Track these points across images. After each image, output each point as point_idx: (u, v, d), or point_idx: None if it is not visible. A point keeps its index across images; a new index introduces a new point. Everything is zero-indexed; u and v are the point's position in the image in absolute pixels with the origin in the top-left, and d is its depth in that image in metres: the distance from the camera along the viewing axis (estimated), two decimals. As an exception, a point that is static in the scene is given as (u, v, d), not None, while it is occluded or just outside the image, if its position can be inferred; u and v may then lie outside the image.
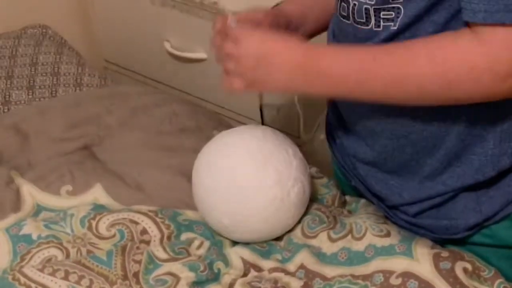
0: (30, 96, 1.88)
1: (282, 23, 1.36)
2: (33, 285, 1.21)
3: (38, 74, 1.96)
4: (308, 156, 1.41)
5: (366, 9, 1.16)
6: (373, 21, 1.17)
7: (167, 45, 2.27)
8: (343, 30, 1.23)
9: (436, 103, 1.13)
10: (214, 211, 1.31)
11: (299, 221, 1.36)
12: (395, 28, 1.14)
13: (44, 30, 2.17)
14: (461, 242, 1.28)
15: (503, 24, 1.02)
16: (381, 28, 1.16)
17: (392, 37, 1.15)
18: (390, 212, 1.33)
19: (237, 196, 1.28)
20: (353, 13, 1.19)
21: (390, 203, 1.32)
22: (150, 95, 1.84)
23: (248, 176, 1.28)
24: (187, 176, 1.46)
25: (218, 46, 1.25)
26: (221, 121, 1.80)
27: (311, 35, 1.42)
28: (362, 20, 1.18)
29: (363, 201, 1.45)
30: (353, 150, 1.34)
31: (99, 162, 1.56)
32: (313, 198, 1.40)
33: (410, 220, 1.30)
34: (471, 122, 1.17)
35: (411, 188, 1.27)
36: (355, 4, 1.18)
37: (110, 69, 2.56)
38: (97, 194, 1.44)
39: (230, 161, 1.29)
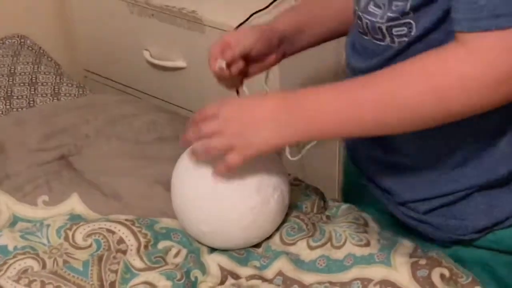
0: (7, 106, 1.87)
1: (275, 42, 1.37)
2: (8, 296, 1.20)
3: (15, 84, 1.95)
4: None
5: (379, 27, 1.18)
6: (388, 38, 1.18)
7: (147, 54, 2.27)
8: (363, 44, 1.24)
9: (430, 123, 1.10)
10: (193, 219, 1.31)
11: (277, 229, 1.36)
12: (408, 39, 1.15)
13: (22, 40, 2.17)
14: (466, 244, 1.29)
15: (488, 31, 1.01)
16: (396, 44, 1.17)
17: (406, 48, 1.15)
18: (400, 208, 1.33)
19: (216, 204, 1.28)
20: (368, 30, 1.21)
21: (401, 200, 1.32)
22: (128, 104, 1.84)
23: (228, 184, 1.27)
24: (165, 185, 1.45)
25: (197, 137, 1.23)
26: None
27: (306, 47, 1.44)
28: (378, 37, 1.19)
29: (344, 206, 1.45)
30: (366, 150, 1.35)
31: (76, 172, 1.55)
32: (292, 205, 1.40)
33: (419, 217, 1.30)
34: (485, 121, 1.15)
35: (423, 185, 1.27)
36: (367, 23, 1.20)
37: (90, 78, 2.56)
38: (74, 204, 1.43)
39: (210, 169, 1.28)
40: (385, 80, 1.10)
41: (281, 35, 1.37)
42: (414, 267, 1.22)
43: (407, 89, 1.07)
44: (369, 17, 1.19)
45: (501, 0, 1.00)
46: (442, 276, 1.21)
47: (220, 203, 1.28)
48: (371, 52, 1.22)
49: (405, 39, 1.15)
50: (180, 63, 2.18)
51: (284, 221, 1.37)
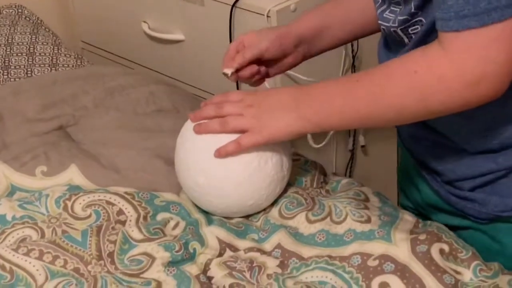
0: (5, 76, 1.87)
1: (290, 46, 1.41)
2: (7, 265, 1.20)
3: (13, 54, 1.94)
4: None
5: (394, 31, 1.22)
6: (405, 39, 1.21)
7: (145, 26, 2.26)
8: (393, 39, 1.26)
9: (416, 118, 1.16)
10: (191, 170, 1.32)
11: (276, 203, 1.36)
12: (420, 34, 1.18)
13: (19, 10, 2.16)
14: (505, 221, 1.29)
15: (458, 31, 1.03)
16: (412, 39, 1.20)
17: (422, 42, 1.17)
18: (445, 187, 1.34)
19: (213, 154, 1.28)
20: (387, 35, 1.26)
21: (446, 179, 1.33)
22: (126, 76, 1.83)
23: (228, 138, 1.28)
24: (164, 159, 1.45)
25: (216, 114, 1.31)
26: (198, 102, 1.79)
27: (327, 49, 1.47)
28: (398, 39, 1.23)
29: (344, 181, 1.45)
30: (414, 130, 1.36)
31: (74, 143, 1.54)
32: (291, 181, 1.40)
33: (463, 195, 1.31)
34: None
35: (464, 164, 1.28)
36: (384, 29, 1.25)
37: (87, 50, 2.55)
38: (72, 175, 1.42)
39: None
40: (376, 78, 1.16)
41: (298, 38, 1.41)
42: (414, 243, 1.22)
43: (393, 88, 1.12)
44: (384, 23, 1.23)
45: (464, 1, 1.01)
46: (441, 251, 1.21)
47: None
48: (394, 50, 1.26)
49: (420, 34, 1.18)
50: (179, 36, 2.17)
51: (282, 196, 1.37)
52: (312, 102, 1.22)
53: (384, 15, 1.23)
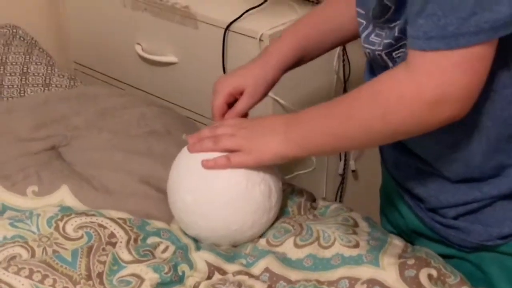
0: (-2, 96, 1.87)
1: (269, 82, 1.43)
2: (-3, 283, 1.20)
3: (7, 73, 1.95)
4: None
5: (379, 55, 1.23)
6: (390, 64, 1.22)
7: (138, 48, 2.26)
8: (377, 64, 1.27)
9: (385, 138, 1.19)
10: (181, 189, 1.34)
11: (264, 235, 1.36)
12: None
13: (14, 30, 2.16)
14: (489, 250, 1.29)
15: (424, 51, 1.04)
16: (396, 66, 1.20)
17: None
18: (428, 214, 1.35)
19: (202, 173, 1.30)
20: (371, 58, 1.27)
21: (430, 206, 1.34)
22: (119, 97, 1.83)
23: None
24: (155, 186, 1.46)
25: (210, 135, 1.35)
26: (190, 125, 1.80)
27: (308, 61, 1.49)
28: (382, 64, 1.24)
29: (333, 206, 1.46)
30: (397, 156, 1.37)
31: (66, 164, 1.54)
32: (278, 215, 1.40)
33: (447, 222, 1.32)
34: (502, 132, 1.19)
35: (447, 192, 1.29)
36: (369, 53, 1.26)
37: (79, 71, 2.55)
38: (64, 195, 1.43)
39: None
40: (347, 99, 1.20)
41: (279, 68, 1.43)
42: (402, 267, 1.23)
43: (359, 108, 1.15)
44: (370, 47, 1.24)
45: (434, 22, 1.02)
46: (429, 276, 1.22)
47: (206, 173, 1.31)
48: (375, 72, 1.28)
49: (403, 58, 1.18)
50: (172, 58, 2.18)
51: (270, 228, 1.37)
52: (298, 124, 1.26)
53: (370, 39, 1.24)
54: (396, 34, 1.17)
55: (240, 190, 1.30)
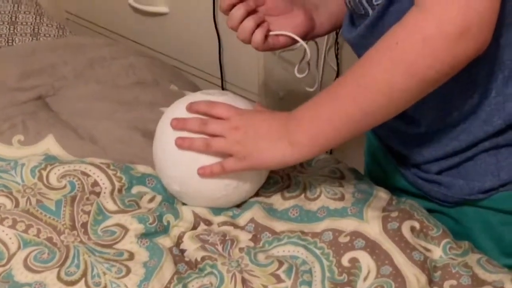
0: (-14, 45, 1.86)
1: None
2: (-20, 233, 1.20)
3: (-6, 23, 1.94)
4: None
5: (359, 1, 1.20)
6: (370, 10, 1.19)
7: (129, -2, 2.25)
8: (358, 14, 1.24)
9: (410, 96, 1.09)
10: (169, 177, 1.29)
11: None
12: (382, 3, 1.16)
13: (3, -21, 2.15)
14: (471, 204, 1.30)
15: None
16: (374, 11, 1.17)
17: (381, 14, 1.16)
18: (412, 170, 1.34)
19: (186, 158, 1.25)
20: (351, 5, 1.23)
21: (413, 161, 1.33)
22: (107, 47, 1.82)
23: (207, 157, 1.25)
24: (142, 131, 1.45)
25: (198, 130, 1.24)
26: (178, 75, 1.80)
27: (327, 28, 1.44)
28: (361, 12, 1.21)
29: (320, 157, 1.45)
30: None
31: (52, 113, 1.54)
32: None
33: (430, 178, 1.31)
34: (471, 73, 1.15)
35: (429, 146, 1.28)
36: (349, 1, 1.23)
37: (71, 20, 2.54)
38: (49, 145, 1.43)
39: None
40: (356, 69, 1.11)
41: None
42: (385, 220, 1.23)
43: (376, 68, 1.08)
44: None
45: None
46: (412, 228, 1.22)
47: (190, 158, 1.25)
48: (358, 24, 1.24)
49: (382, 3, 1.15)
50: (162, 9, 2.17)
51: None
52: (299, 121, 1.17)
53: None
54: None
55: (231, 188, 1.27)
